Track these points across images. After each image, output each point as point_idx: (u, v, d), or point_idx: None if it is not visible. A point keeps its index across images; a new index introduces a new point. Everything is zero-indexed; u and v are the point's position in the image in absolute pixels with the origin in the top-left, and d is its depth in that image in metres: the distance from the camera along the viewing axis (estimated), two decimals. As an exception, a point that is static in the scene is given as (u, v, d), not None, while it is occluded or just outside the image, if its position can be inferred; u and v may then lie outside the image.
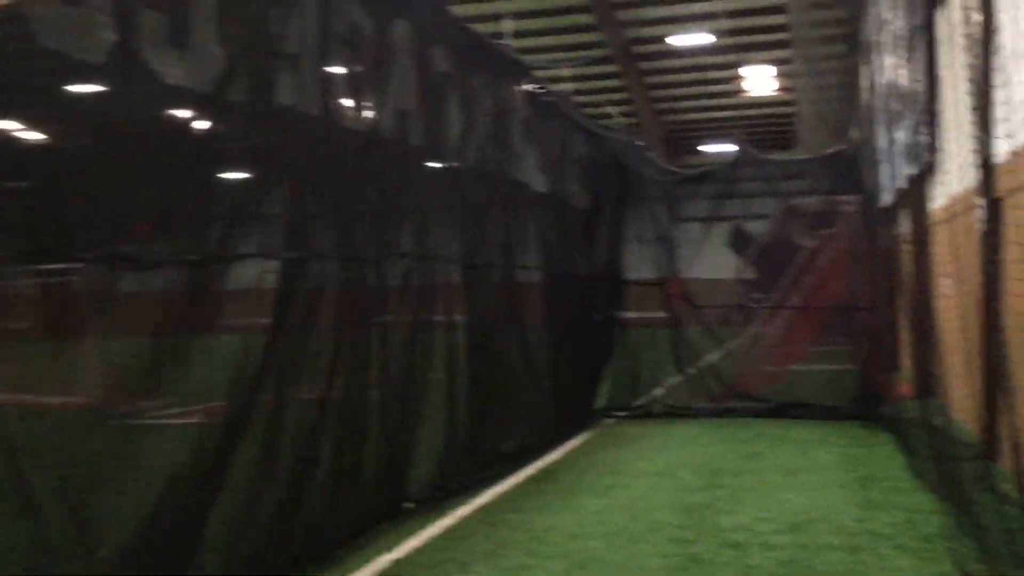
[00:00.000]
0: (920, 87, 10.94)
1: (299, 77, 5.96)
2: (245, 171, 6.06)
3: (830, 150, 13.10)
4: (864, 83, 16.23)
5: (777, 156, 14.91)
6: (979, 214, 8.41)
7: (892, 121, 13.12)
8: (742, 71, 32.50)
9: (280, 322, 5.73)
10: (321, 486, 6.08)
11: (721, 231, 14.36)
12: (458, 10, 8.55)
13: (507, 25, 26.20)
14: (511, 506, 7.49)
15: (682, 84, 34.45)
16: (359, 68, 6.75)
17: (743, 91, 34.51)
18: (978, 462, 7.95)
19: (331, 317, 6.36)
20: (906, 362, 14.28)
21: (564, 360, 10.77)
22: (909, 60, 11.49)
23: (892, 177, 13.41)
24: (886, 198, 13.92)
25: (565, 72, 29.83)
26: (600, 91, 32.12)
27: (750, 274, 16.00)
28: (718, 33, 28.61)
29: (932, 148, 10.78)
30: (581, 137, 11.74)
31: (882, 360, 11.79)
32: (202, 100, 5.05)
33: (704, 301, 13.79)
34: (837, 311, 13.67)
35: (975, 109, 7.71)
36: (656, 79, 34.15)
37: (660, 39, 30.22)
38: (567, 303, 11.04)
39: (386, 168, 7.01)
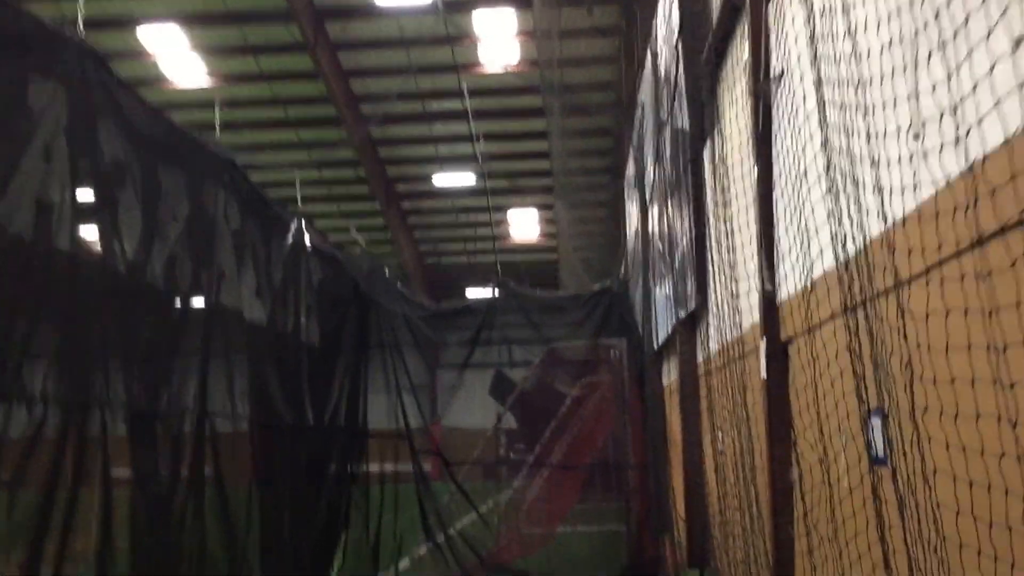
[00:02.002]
0: (689, 229, 10.03)
1: None
2: None
3: (596, 287, 11.95)
4: (631, 226, 15.47)
5: (541, 294, 13.59)
6: (760, 360, 7.35)
7: (661, 263, 12.22)
8: (507, 215, 32.09)
9: None
10: None
11: (482, 377, 12.95)
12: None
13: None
14: None
15: (446, 226, 33.71)
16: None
17: (507, 236, 34.06)
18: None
19: None
20: (680, 525, 13.10)
21: (282, 528, 8.80)
22: (677, 201, 10.64)
23: (663, 321, 12.42)
24: (656, 343, 12.91)
25: (328, 208, 28.50)
26: (361, 229, 30.92)
27: (512, 423, 14.63)
28: (483, 176, 27.99)
29: (703, 290, 9.81)
30: (315, 261, 10.01)
31: (653, 523, 10.47)
32: None
33: (462, 453, 12.22)
34: (604, 467, 12.35)
35: (759, 248, 6.76)
36: (419, 219, 33.31)
37: (424, 178, 29.40)
38: (288, 457, 9.12)
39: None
